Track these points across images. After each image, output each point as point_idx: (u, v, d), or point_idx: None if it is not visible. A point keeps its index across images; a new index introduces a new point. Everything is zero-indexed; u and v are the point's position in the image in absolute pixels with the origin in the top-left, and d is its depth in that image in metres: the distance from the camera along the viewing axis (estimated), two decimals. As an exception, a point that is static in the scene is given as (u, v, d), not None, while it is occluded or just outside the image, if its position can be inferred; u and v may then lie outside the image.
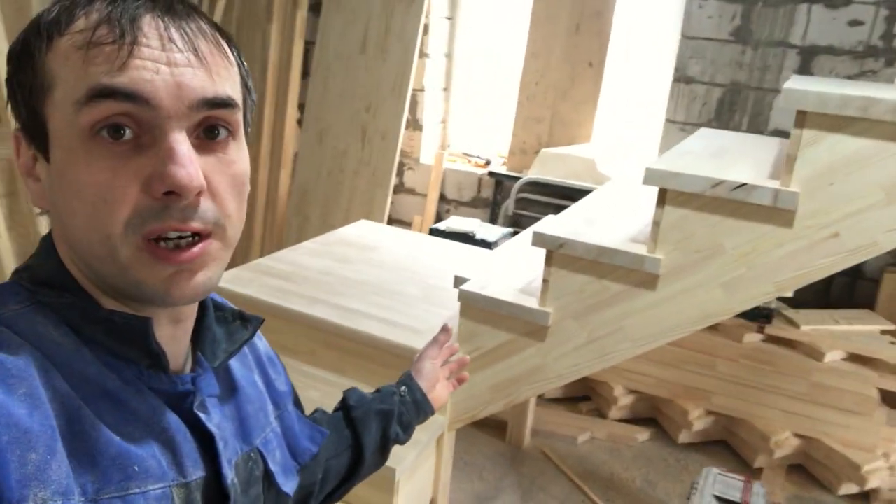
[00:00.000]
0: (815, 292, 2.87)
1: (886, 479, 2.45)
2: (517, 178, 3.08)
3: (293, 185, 3.42)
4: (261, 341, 0.78)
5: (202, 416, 0.58)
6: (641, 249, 1.59)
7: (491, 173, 3.22)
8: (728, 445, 2.73)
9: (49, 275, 0.55)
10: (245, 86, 0.58)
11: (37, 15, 0.53)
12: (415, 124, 3.42)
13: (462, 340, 1.82)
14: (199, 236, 0.52)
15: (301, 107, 3.44)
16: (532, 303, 1.73)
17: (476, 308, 1.79)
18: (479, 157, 3.44)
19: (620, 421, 2.83)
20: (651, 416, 2.86)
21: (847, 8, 2.58)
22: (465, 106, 3.56)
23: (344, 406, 0.92)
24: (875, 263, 2.82)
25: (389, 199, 3.22)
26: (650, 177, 1.53)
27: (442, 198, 3.42)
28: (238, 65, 0.57)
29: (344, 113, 3.28)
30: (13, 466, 0.43)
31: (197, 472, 0.56)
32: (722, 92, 2.79)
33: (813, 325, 2.55)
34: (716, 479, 2.27)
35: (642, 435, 2.75)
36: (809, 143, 1.39)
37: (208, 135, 0.53)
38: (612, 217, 1.87)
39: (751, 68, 2.73)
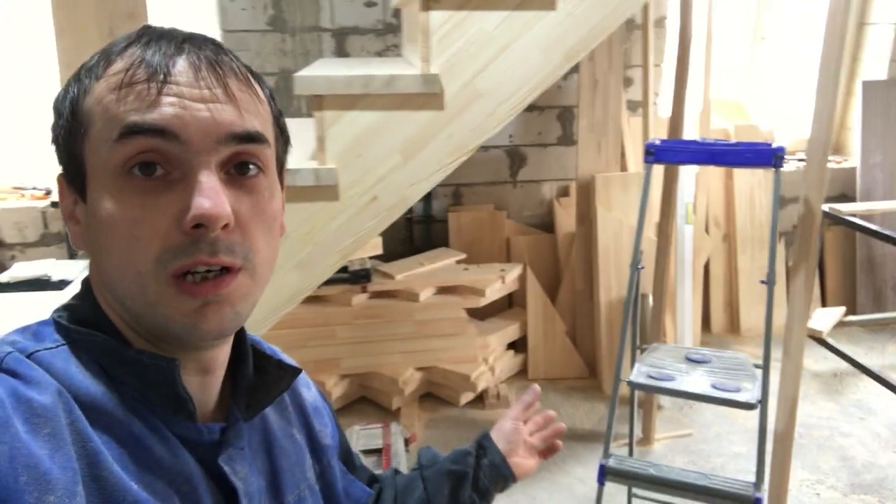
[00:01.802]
0: (402, 242, 3.25)
1: (490, 378, 2.95)
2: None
3: None
4: (309, 391, 0.75)
5: (227, 468, 0.57)
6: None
7: (54, 203, 2.85)
8: (368, 400, 2.96)
9: (85, 314, 0.56)
10: (278, 125, 0.59)
11: (80, 64, 0.55)
12: (-64, 165, 2.83)
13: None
14: (227, 270, 0.52)
15: None
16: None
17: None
18: (35, 188, 3.02)
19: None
20: (294, 399, 2.94)
21: (359, -10, 2.89)
22: None
23: (418, 465, 0.86)
24: (440, 206, 3.31)
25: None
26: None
27: (1, 244, 2.93)
28: (269, 103, 0.58)
29: None
30: None
31: None
32: (274, 80, 2.91)
33: (405, 272, 2.89)
34: (359, 435, 2.45)
35: (290, 420, 2.82)
36: (331, 122, 1.53)
37: (239, 171, 0.54)
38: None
39: (294, 54, 2.89)
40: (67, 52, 2.82)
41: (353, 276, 2.80)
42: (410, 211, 3.25)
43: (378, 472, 0.88)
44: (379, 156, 1.57)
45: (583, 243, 3.02)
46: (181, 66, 0.52)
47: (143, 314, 0.53)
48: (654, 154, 1.62)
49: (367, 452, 2.37)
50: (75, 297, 0.58)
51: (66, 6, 2.82)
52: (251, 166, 0.55)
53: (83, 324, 0.55)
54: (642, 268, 1.78)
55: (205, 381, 0.59)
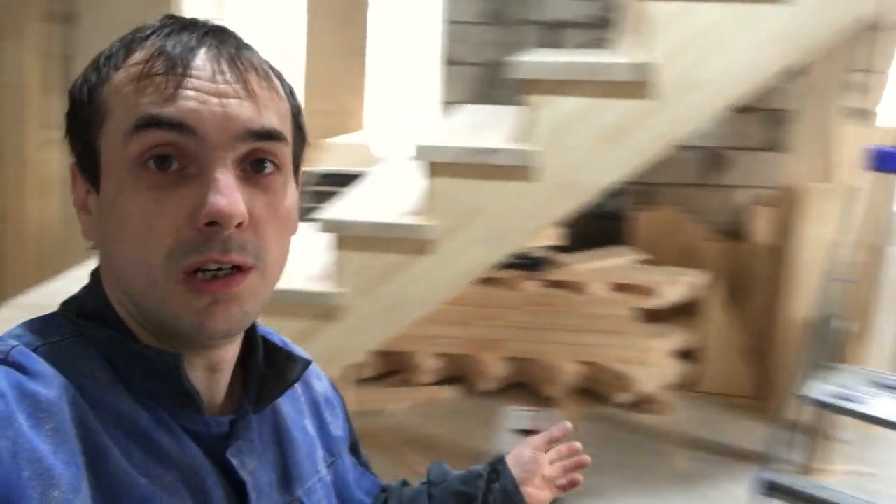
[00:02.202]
0: (580, 235, 3.26)
1: (652, 383, 2.90)
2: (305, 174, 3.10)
3: (65, 213, 3.11)
4: (320, 382, 0.74)
5: (235, 462, 0.56)
6: (416, 220, 1.72)
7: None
8: (525, 385, 3.02)
9: (92, 308, 0.55)
10: (296, 123, 0.58)
11: (100, 51, 0.55)
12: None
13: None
14: (238, 269, 0.52)
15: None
16: (325, 287, 1.79)
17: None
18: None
19: (430, 385, 3.00)
20: (457, 374, 3.08)
21: (579, -15, 2.95)
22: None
23: (427, 480, 0.83)
24: (624, 203, 3.28)
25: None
26: (419, 153, 1.66)
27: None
28: (288, 100, 0.57)
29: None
30: (34, 503, 0.43)
31: None
32: (485, 70, 3.04)
33: (579, 265, 2.91)
34: (512, 415, 2.52)
35: (449, 393, 2.95)
36: (541, 106, 1.59)
37: (255, 168, 0.53)
38: (387, 195, 1.98)
39: (506, 45, 2.99)
40: (310, 37, 3.15)
41: (527, 263, 2.87)
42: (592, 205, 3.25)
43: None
44: (582, 141, 1.61)
45: (779, 256, 2.84)
46: (201, 59, 0.51)
47: (151, 309, 0.53)
48: (878, 160, 1.51)
49: (517, 432, 2.44)
50: (83, 290, 0.58)
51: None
52: (267, 164, 0.54)
53: (90, 317, 0.55)
54: (837, 280, 1.67)
55: (212, 378, 0.58)
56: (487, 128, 2.00)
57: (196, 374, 0.56)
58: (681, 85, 1.51)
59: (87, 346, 0.53)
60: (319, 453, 0.69)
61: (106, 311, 0.55)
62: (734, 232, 3.21)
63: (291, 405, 0.68)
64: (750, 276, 3.08)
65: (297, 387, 0.68)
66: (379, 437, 2.65)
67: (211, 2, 3.40)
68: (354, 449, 0.77)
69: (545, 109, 1.59)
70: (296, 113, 0.58)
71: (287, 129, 0.56)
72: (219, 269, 0.51)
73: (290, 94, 0.58)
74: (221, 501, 0.55)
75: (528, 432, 2.40)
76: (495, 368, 2.95)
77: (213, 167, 0.50)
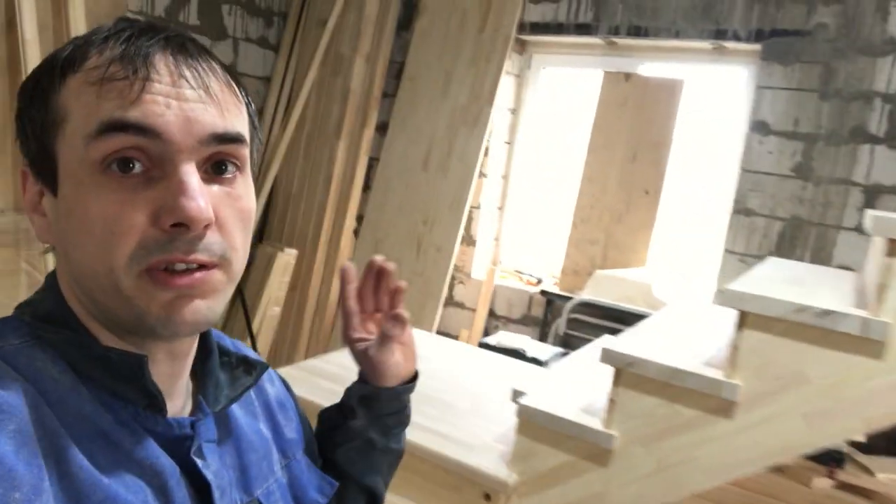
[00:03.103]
0: (889, 439, 2.69)
1: None
2: (569, 298, 3.05)
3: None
4: (273, 386, 0.77)
5: (199, 462, 0.57)
6: (718, 374, 1.52)
7: (543, 292, 3.20)
8: None
9: (50, 310, 0.55)
10: (252, 124, 0.60)
11: (50, 53, 0.55)
12: (469, 240, 3.47)
13: (517, 458, 1.73)
14: (203, 266, 0.53)
15: (360, 218, 3.54)
16: (596, 423, 1.65)
17: (535, 424, 1.70)
18: (530, 275, 3.44)
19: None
20: (710, 563, 2.62)
21: (911, 149, 2.60)
22: (518, 225, 3.61)
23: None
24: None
25: (440, 311, 3.20)
26: (726, 298, 1.49)
27: (491, 313, 3.39)
28: (246, 104, 0.59)
29: (401, 225, 3.36)
30: None
31: None
32: (783, 225, 2.78)
33: (890, 475, 2.37)
34: None
35: (701, 584, 2.51)
36: (901, 272, 1.34)
37: (216, 170, 0.54)
38: (681, 339, 1.80)
39: (812, 204, 2.72)
40: (593, 168, 3.21)
41: (823, 456, 2.41)
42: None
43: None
44: (954, 323, 1.31)
45: None
46: (163, 63, 0.51)
47: (116, 308, 0.52)
48: None
49: None
50: (39, 292, 0.57)
51: (603, 130, 3.24)
52: (229, 166, 0.54)
53: (48, 320, 0.54)
54: None
55: (173, 369, 0.58)
56: (807, 284, 1.75)
57: (159, 369, 0.56)
58: None
59: (46, 349, 0.52)
60: (274, 455, 0.70)
61: (64, 313, 0.55)
62: None
63: (246, 409, 0.69)
64: None
65: (251, 391, 0.69)
66: None
67: (506, 126, 3.64)
68: (310, 448, 0.77)
69: (911, 277, 1.33)
70: (252, 115, 0.59)
71: (246, 131, 0.57)
72: (185, 268, 0.51)
73: (247, 97, 0.59)
74: (185, 501, 0.54)
75: None
76: (760, 574, 2.45)
77: (178, 170, 0.51)
